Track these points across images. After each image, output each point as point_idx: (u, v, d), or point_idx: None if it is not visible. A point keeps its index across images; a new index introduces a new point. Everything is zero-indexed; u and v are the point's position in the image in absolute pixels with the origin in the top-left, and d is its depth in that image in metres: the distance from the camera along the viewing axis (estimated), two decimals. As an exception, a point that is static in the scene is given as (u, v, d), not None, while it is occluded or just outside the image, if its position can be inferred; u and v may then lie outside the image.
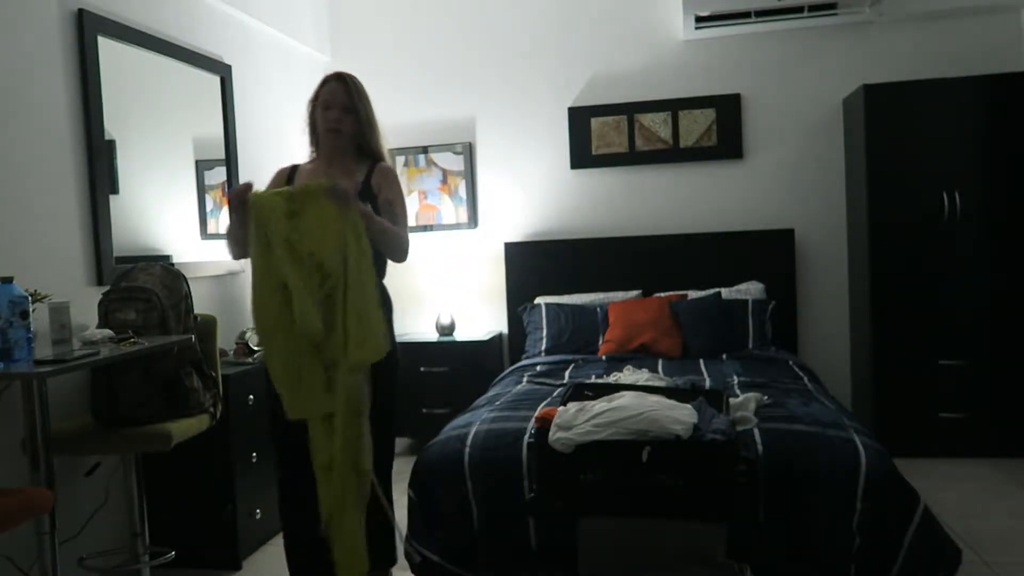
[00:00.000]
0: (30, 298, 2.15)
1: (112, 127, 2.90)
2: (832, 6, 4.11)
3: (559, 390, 3.06)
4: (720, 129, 4.38)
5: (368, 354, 2.15)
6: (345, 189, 2.18)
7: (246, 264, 3.72)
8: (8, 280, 2.09)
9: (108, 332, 2.34)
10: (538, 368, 3.73)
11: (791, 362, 3.70)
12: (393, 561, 2.57)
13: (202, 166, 3.50)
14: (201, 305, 2.98)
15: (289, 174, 2.54)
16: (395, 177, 2.54)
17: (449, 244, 4.62)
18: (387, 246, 2.38)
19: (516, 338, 4.51)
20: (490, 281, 4.62)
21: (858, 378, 4.23)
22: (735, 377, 3.27)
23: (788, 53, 4.34)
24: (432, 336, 4.45)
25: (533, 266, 4.53)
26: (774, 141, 4.38)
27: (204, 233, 3.51)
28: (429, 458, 2.56)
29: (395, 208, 2.48)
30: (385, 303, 2.43)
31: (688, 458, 2.19)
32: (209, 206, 3.55)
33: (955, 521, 2.99)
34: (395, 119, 4.50)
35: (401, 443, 3.99)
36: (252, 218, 2.19)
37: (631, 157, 4.47)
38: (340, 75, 2.50)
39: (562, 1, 4.56)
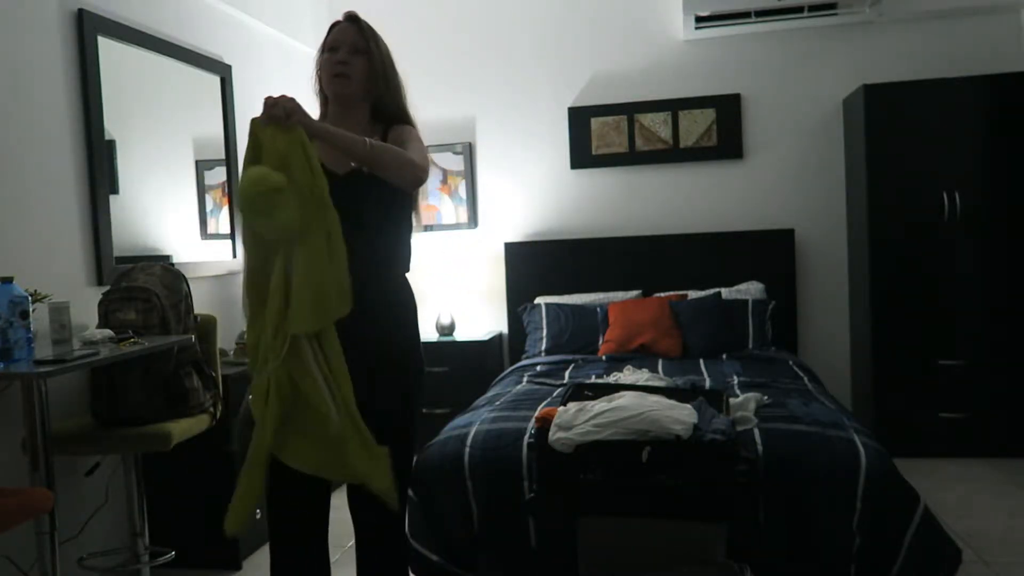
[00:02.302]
0: (30, 298, 2.15)
1: (112, 127, 2.90)
2: (832, 6, 4.11)
3: (559, 390, 3.06)
4: (720, 129, 4.38)
5: (310, 319, 1.67)
6: (277, 100, 1.67)
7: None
8: (8, 280, 2.09)
9: (108, 332, 2.34)
10: (538, 368, 3.73)
11: (791, 362, 3.70)
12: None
13: (202, 166, 3.50)
14: (201, 305, 2.98)
15: None
16: (415, 134, 2.00)
17: (449, 244, 4.62)
18: (383, 166, 1.81)
19: (516, 338, 4.51)
20: (490, 281, 4.62)
21: (858, 378, 4.23)
22: (735, 377, 3.27)
23: (788, 53, 4.34)
24: (432, 336, 4.45)
25: (533, 266, 4.53)
26: (774, 141, 4.38)
27: (204, 233, 3.51)
28: (429, 458, 2.56)
29: (407, 143, 1.94)
30: (407, 302, 2.04)
31: (688, 458, 2.19)
32: (209, 206, 3.55)
33: (955, 521, 2.99)
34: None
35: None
36: None
37: (631, 157, 4.47)
38: (352, 15, 2.04)
39: (562, 1, 4.55)
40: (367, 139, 1.79)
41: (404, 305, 2.03)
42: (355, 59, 1.96)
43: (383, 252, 1.97)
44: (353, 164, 1.91)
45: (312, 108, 2.01)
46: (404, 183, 1.88)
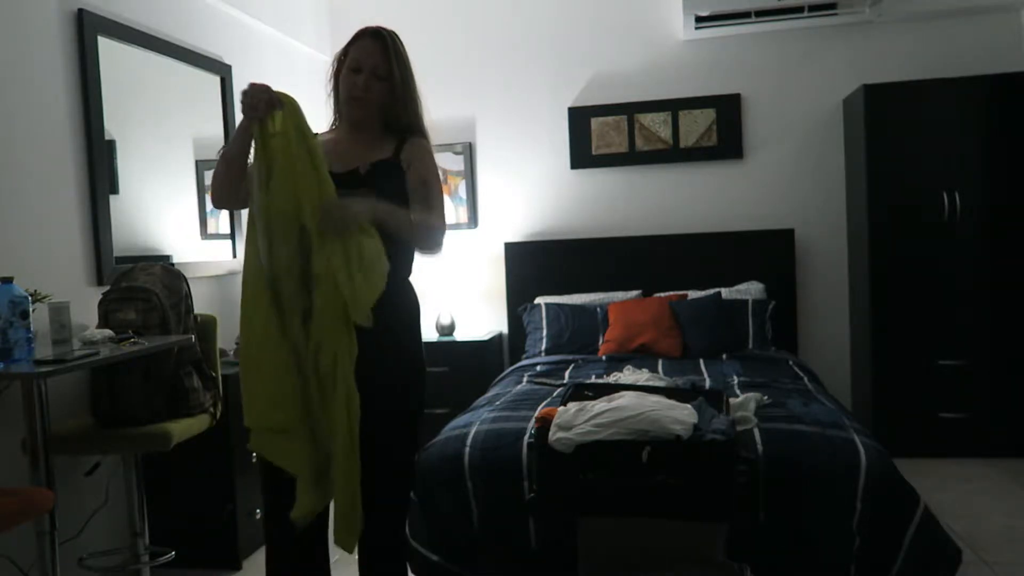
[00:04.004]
0: (30, 298, 2.15)
1: (112, 127, 2.90)
2: (832, 6, 4.11)
3: (559, 390, 3.06)
4: (720, 129, 4.38)
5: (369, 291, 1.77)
6: (341, 217, 1.77)
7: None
8: (8, 280, 2.09)
9: (108, 332, 2.34)
10: (538, 368, 3.73)
11: (791, 362, 3.70)
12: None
13: (202, 166, 3.49)
14: (201, 305, 2.98)
15: None
16: (430, 154, 2.08)
17: (449, 244, 4.61)
18: (413, 240, 1.97)
19: (516, 338, 4.51)
20: (490, 281, 4.62)
21: (858, 378, 4.23)
22: (735, 377, 3.28)
23: (788, 53, 4.34)
24: (432, 336, 4.45)
25: (533, 266, 4.53)
26: (774, 141, 4.38)
27: (204, 233, 3.51)
28: (429, 458, 2.56)
29: (430, 188, 2.02)
30: (409, 303, 2.06)
31: (688, 458, 2.19)
32: (209, 206, 3.54)
33: (955, 521, 2.99)
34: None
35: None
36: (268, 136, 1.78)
37: (631, 157, 4.47)
38: (378, 31, 2.00)
39: (562, 1, 4.55)
40: (413, 218, 1.92)
41: (406, 306, 2.04)
42: (376, 85, 1.95)
43: (398, 255, 1.96)
44: (356, 166, 1.94)
45: (315, 109, 2.03)
46: (421, 252, 2.02)
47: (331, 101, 2.08)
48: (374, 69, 1.95)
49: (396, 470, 2.01)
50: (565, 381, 3.37)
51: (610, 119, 4.48)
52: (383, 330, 1.91)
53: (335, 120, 2.10)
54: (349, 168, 1.94)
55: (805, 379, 3.32)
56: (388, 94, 1.97)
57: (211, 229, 3.56)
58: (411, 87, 2.02)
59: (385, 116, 2.02)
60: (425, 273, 4.47)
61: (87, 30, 2.78)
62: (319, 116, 2.10)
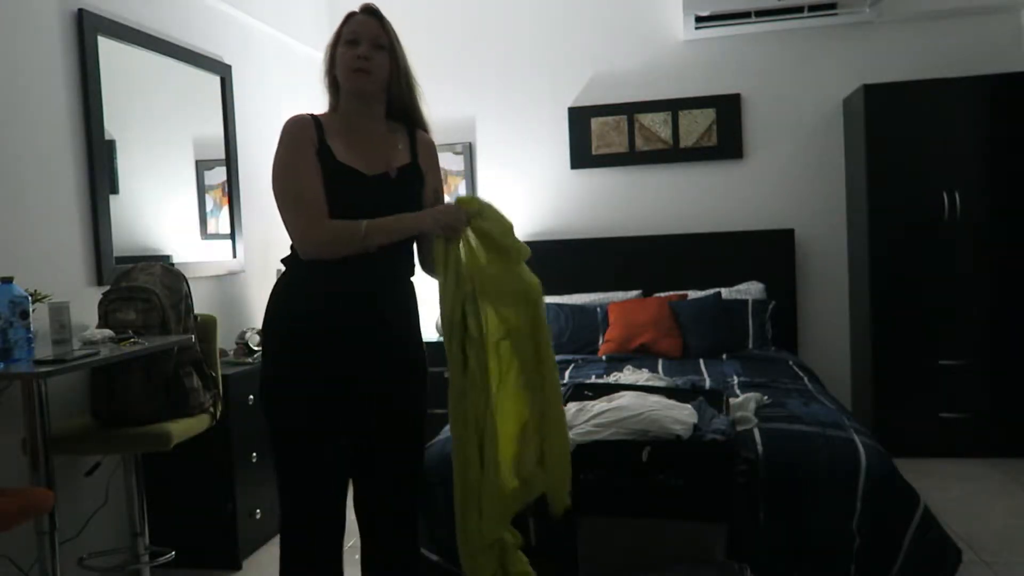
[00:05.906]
0: (30, 298, 2.16)
1: (112, 127, 2.90)
2: (832, 6, 4.11)
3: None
4: (720, 129, 4.38)
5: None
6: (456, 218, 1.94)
7: (246, 264, 3.73)
8: (8, 280, 2.09)
9: (108, 332, 2.34)
10: (538, 368, 3.73)
11: (791, 362, 3.70)
12: None
13: (202, 166, 3.50)
14: (201, 305, 2.98)
15: (316, 128, 1.87)
16: (437, 158, 2.08)
17: (449, 244, 4.61)
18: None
19: (516, 338, 4.50)
20: (490, 281, 4.61)
21: (858, 378, 4.23)
22: (735, 377, 3.28)
23: (788, 53, 4.34)
24: (432, 336, 4.45)
25: (533, 266, 4.49)
26: (774, 141, 4.38)
27: (204, 233, 3.51)
28: (429, 458, 2.55)
29: (440, 201, 2.03)
30: (415, 307, 2.17)
31: (688, 458, 2.19)
32: (209, 206, 3.54)
33: (955, 521, 2.98)
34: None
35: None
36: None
37: (631, 157, 4.47)
38: (370, 7, 1.94)
39: (562, 1, 4.55)
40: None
41: (414, 310, 2.11)
42: (377, 55, 1.85)
43: (404, 257, 1.99)
44: (383, 169, 1.89)
45: (313, 107, 2.02)
46: (430, 271, 2.10)
47: (324, 92, 1.99)
48: (374, 39, 1.86)
49: (408, 475, 2.02)
50: (565, 381, 3.37)
51: (610, 119, 4.48)
52: (386, 332, 1.92)
53: (331, 110, 1.97)
54: (377, 172, 1.88)
55: (805, 379, 3.32)
56: (390, 65, 1.88)
57: (211, 229, 3.56)
58: (408, 65, 1.94)
59: (387, 95, 1.93)
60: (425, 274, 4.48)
61: (87, 30, 2.78)
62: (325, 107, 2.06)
